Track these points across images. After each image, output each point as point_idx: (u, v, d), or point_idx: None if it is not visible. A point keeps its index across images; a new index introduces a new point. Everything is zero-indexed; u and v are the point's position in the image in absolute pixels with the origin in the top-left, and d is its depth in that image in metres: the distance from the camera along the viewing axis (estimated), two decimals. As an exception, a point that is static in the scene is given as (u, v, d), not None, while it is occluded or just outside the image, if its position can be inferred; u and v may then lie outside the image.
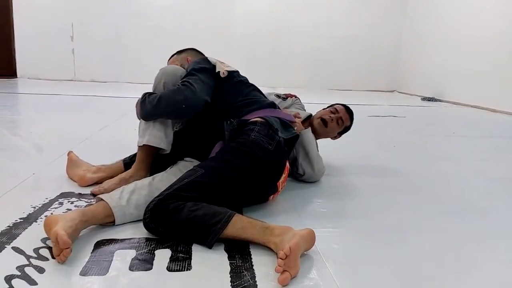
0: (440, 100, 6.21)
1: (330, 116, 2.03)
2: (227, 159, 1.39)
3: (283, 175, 1.52)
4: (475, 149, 2.99)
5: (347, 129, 2.12)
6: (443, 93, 6.25)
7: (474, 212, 1.66)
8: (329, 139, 2.13)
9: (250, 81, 1.79)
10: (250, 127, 1.47)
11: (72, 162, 1.77)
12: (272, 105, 1.68)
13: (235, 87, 1.68)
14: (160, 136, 1.58)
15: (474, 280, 1.13)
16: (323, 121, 2.03)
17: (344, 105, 2.12)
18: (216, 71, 1.67)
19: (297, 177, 1.90)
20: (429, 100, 6.24)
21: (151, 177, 1.50)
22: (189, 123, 1.70)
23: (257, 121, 1.51)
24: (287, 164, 1.55)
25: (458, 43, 5.90)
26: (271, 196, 1.55)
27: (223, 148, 1.48)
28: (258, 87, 1.79)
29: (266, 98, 1.77)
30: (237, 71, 1.75)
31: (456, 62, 5.94)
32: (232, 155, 1.39)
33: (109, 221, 1.31)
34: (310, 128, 1.96)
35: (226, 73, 1.67)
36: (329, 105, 2.17)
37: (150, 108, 1.56)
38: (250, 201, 1.52)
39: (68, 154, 1.80)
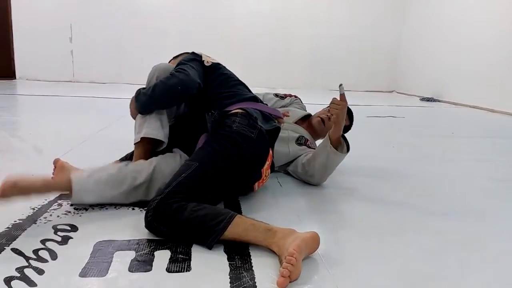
0: (439, 101, 6.21)
1: (328, 115, 2.03)
2: (216, 150, 1.42)
3: (267, 162, 1.57)
4: (474, 149, 2.99)
5: (347, 129, 2.12)
6: (442, 93, 6.26)
7: (473, 212, 1.66)
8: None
9: (250, 82, 1.81)
10: (232, 119, 1.51)
11: (64, 169, 1.62)
12: (254, 99, 1.72)
13: (220, 78, 1.74)
14: (157, 127, 1.61)
15: (474, 281, 1.13)
16: (322, 120, 2.04)
17: None
18: (202, 59, 1.76)
19: (300, 175, 1.88)
20: (428, 101, 6.25)
21: (125, 163, 1.53)
22: (177, 118, 1.75)
23: (237, 112, 1.54)
24: (270, 151, 1.59)
25: (457, 43, 5.91)
26: (256, 184, 1.58)
27: (209, 139, 1.50)
28: (256, 87, 1.82)
29: (251, 92, 1.79)
30: (221, 64, 1.82)
31: (455, 63, 5.95)
32: (220, 146, 1.43)
33: (68, 192, 1.40)
34: (343, 155, 1.77)
35: (210, 63, 1.76)
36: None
37: (146, 99, 1.61)
38: (238, 190, 1.57)
39: (57, 162, 1.63)
